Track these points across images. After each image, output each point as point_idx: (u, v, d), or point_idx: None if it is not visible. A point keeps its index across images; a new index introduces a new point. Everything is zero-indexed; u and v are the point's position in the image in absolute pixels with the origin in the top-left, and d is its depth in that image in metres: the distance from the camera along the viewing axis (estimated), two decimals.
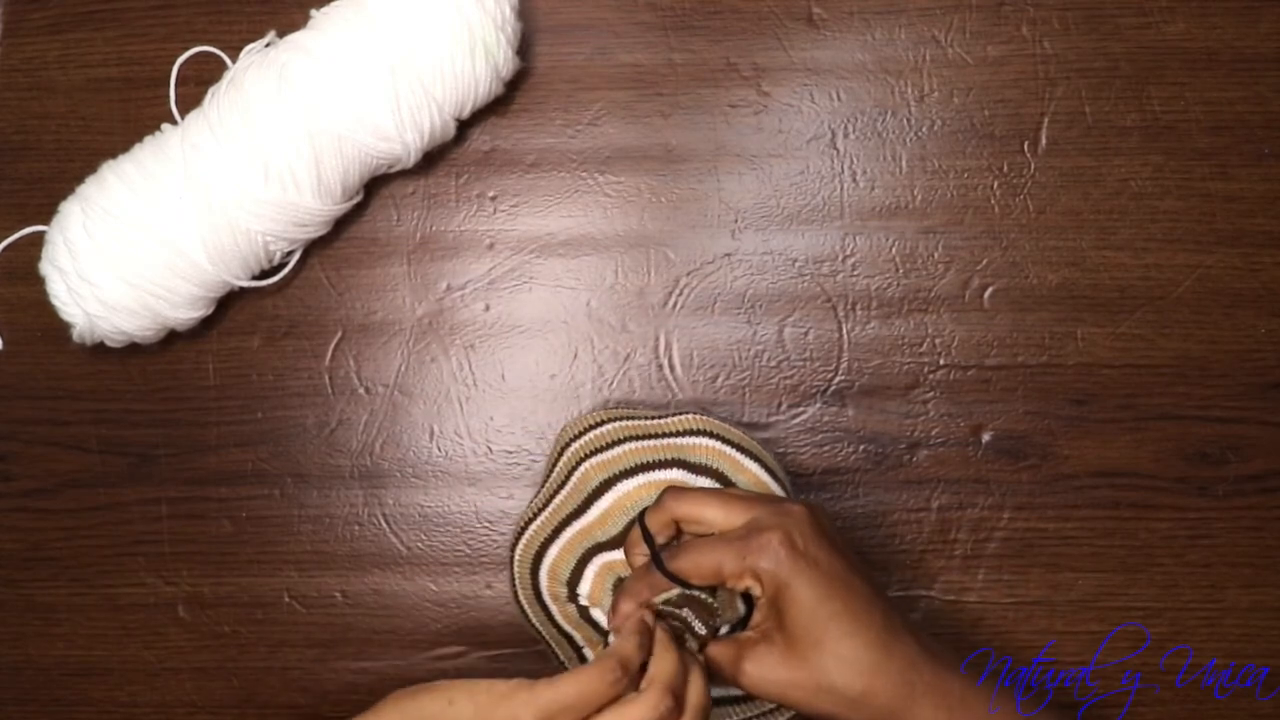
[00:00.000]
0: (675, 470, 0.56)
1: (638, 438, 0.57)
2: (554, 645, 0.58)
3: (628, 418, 0.59)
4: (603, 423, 0.59)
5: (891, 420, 0.63)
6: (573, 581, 0.56)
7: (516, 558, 0.58)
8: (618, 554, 0.55)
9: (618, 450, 0.57)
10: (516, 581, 0.58)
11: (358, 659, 0.63)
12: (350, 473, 0.64)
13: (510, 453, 0.64)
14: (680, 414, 0.58)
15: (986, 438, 0.63)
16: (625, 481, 0.56)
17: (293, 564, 0.63)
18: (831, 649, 0.48)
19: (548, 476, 0.59)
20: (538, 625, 0.58)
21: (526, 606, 0.58)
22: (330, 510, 0.64)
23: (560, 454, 0.59)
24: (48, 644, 0.64)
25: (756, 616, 0.50)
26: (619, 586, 0.54)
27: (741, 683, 0.49)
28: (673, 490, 0.52)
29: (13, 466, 0.65)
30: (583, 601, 0.56)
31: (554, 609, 0.57)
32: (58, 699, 0.63)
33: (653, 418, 0.59)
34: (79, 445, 0.64)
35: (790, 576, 0.48)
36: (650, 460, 0.56)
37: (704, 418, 0.58)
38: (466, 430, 0.64)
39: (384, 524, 0.64)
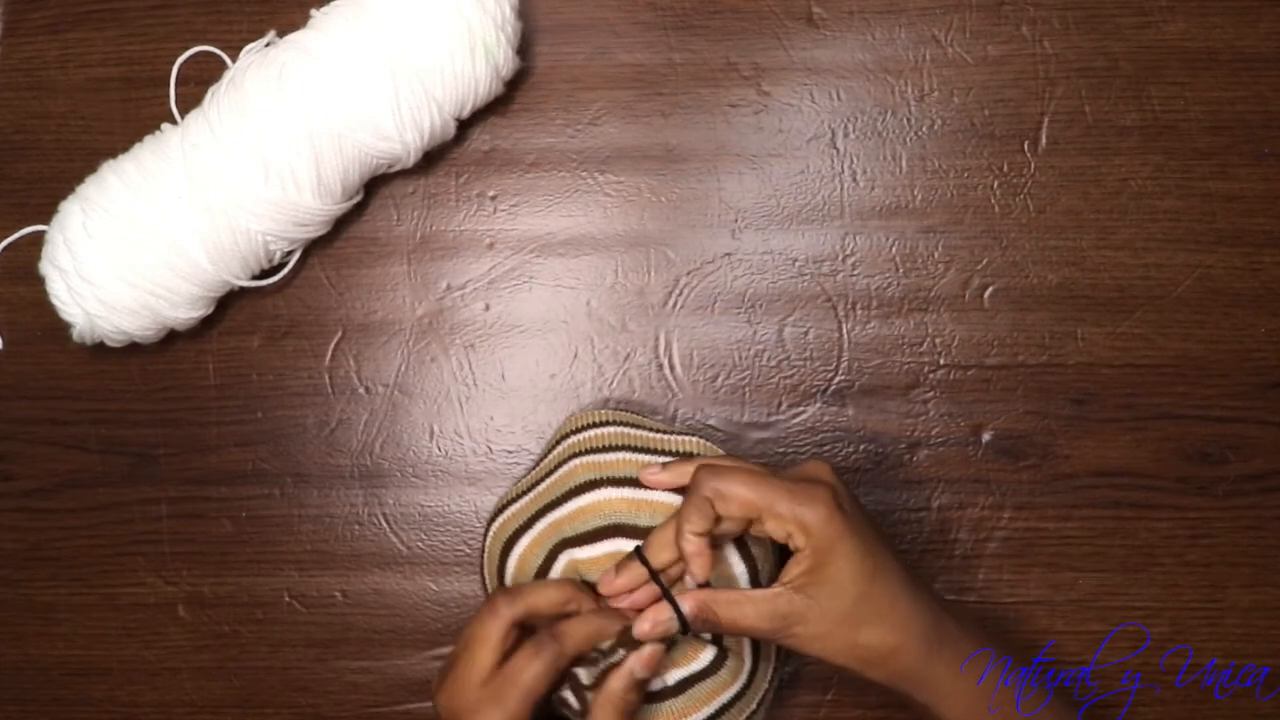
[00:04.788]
0: (664, 491, 0.55)
1: (636, 449, 0.57)
2: None
3: (633, 425, 0.59)
4: (607, 423, 0.59)
5: (891, 420, 0.63)
6: (540, 575, 0.56)
7: (491, 534, 0.59)
8: (584, 552, 0.55)
9: (613, 456, 0.57)
10: (486, 556, 0.60)
11: (358, 659, 0.63)
12: (350, 472, 0.64)
13: (510, 452, 0.64)
14: (684, 435, 0.58)
15: (986, 437, 0.63)
16: (610, 489, 0.56)
17: (293, 564, 0.63)
18: (870, 607, 0.49)
19: (541, 460, 0.60)
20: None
21: (489, 580, 0.59)
22: (330, 510, 0.64)
23: (557, 443, 0.59)
24: (48, 644, 0.64)
25: (794, 570, 0.50)
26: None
27: (788, 642, 0.50)
28: (708, 467, 0.51)
29: (13, 466, 0.65)
30: None
31: None
32: (58, 699, 0.63)
33: (657, 430, 0.58)
34: (79, 445, 0.64)
35: (839, 535, 0.49)
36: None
37: (706, 443, 0.58)
38: (466, 430, 0.64)
39: (384, 524, 0.64)
